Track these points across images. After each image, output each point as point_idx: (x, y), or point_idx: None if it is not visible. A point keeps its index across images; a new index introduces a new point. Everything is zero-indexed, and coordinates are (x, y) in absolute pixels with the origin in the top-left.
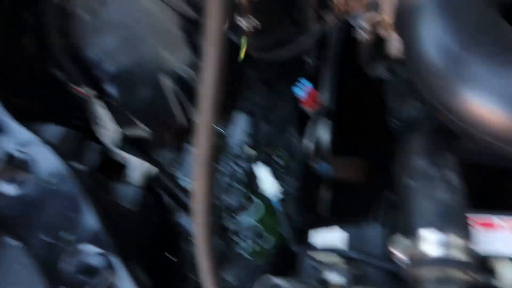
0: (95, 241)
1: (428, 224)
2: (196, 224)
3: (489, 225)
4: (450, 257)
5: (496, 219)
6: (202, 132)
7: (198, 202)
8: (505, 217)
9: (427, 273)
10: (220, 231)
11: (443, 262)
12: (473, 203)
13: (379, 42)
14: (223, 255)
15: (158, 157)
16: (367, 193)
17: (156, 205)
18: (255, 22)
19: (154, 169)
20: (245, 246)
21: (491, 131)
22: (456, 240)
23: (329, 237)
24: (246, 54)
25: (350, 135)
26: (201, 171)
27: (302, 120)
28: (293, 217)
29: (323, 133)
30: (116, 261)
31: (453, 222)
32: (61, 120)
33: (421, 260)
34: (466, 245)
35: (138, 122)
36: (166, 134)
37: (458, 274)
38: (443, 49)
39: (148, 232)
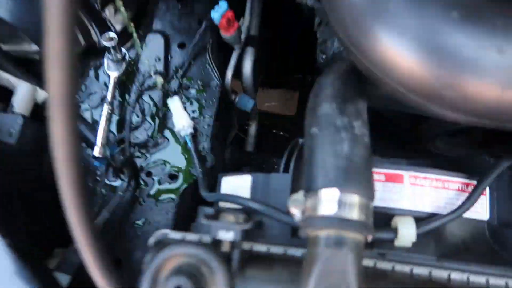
0: None
1: (327, 181)
2: (62, 181)
3: (396, 179)
4: (345, 217)
5: (404, 173)
6: (52, 62)
7: (61, 154)
8: (414, 171)
9: (320, 233)
10: (128, 171)
11: (337, 222)
12: (386, 152)
13: None
14: (132, 197)
15: None
16: (297, 127)
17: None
18: None
19: (45, 95)
20: (155, 186)
21: (399, 76)
22: (354, 199)
23: (237, 183)
24: None
25: (277, 65)
26: (59, 115)
27: (222, 48)
28: (207, 156)
29: (246, 62)
30: None
31: (354, 179)
32: None
33: (315, 219)
34: (365, 204)
35: (24, 37)
36: None
37: (351, 235)
38: None
39: (38, 171)
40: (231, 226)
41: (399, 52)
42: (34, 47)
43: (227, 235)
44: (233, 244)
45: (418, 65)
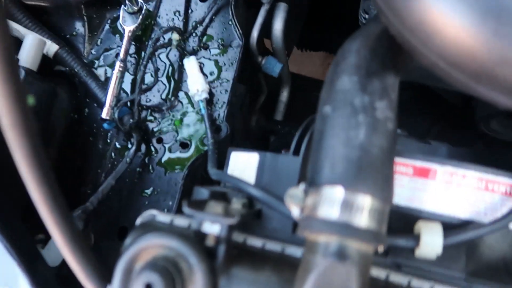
0: None
1: (333, 176)
2: (17, 158)
3: (427, 174)
4: (350, 222)
5: (438, 167)
6: None
7: (10, 127)
8: (451, 166)
9: (318, 239)
10: (137, 135)
11: (339, 228)
12: (428, 132)
13: None
14: (140, 163)
15: (65, 32)
16: None
17: (56, 96)
18: None
19: (56, 48)
20: (165, 154)
21: (439, 46)
22: (365, 200)
23: (245, 160)
24: None
25: (312, 24)
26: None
27: (251, 2)
28: (221, 126)
29: (276, 20)
30: None
31: (367, 175)
32: None
33: (313, 221)
34: (379, 208)
35: None
36: (74, 2)
37: (357, 245)
38: None
39: (40, 132)
40: (216, 219)
41: (441, 11)
42: None
43: (212, 229)
44: (218, 238)
45: (466, 31)
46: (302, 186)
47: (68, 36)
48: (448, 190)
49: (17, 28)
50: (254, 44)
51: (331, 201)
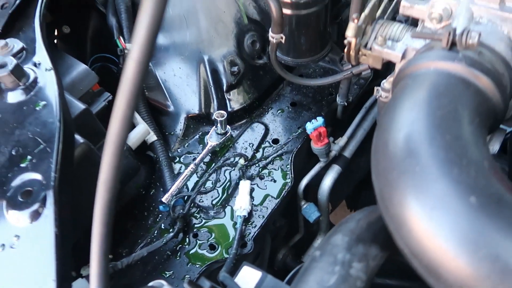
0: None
1: None
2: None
3: None
4: None
5: None
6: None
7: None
8: None
9: None
10: (180, 225)
11: None
12: None
13: None
14: (172, 248)
15: (166, 130)
16: None
17: (137, 172)
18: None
19: (154, 139)
20: (195, 248)
21: (408, 241)
22: None
23: (249, 275)
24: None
25: (365, 189)
26: (110, 152)
27: (312, 156)
28: (247, 243)
29: (326, 178)
30: (50, 199)
31: None
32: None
33: None
34: None
35: (163, 91)
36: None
37: None
38: (408, 139)
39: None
40: None
41: (408, 212)
42: (168, 102)
43: None
44: None
45: (424, 234)
46: None
47: (167, 133)
48: None
49: (135, 115)
50: (301, 189)
51: None
